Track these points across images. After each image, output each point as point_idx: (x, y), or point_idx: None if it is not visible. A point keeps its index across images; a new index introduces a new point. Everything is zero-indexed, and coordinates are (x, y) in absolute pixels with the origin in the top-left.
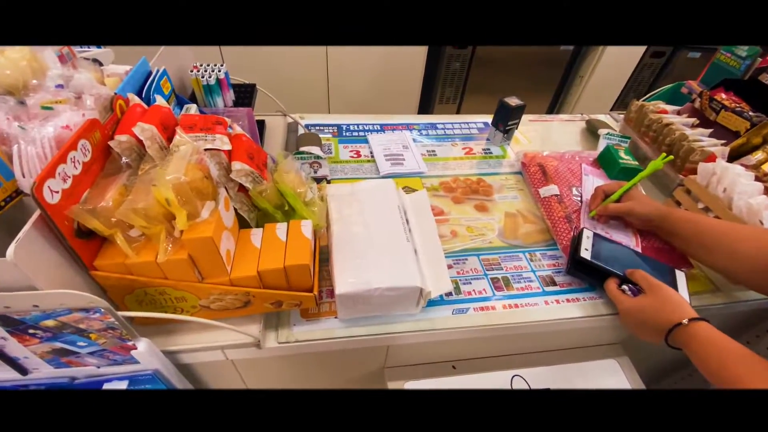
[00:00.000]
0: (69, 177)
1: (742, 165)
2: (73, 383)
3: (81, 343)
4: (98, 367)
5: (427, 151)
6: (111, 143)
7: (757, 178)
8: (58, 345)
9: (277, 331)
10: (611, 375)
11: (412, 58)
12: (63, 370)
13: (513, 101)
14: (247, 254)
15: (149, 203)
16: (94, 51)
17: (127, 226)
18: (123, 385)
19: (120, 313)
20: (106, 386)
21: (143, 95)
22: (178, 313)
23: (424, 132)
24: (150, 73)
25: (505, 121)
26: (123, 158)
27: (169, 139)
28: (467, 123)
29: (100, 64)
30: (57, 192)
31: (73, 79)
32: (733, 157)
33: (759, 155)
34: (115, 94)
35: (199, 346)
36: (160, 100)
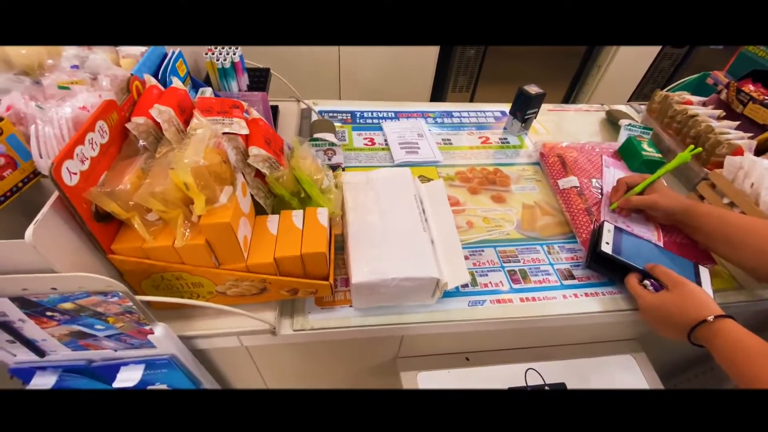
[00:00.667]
0: (87, 159)
1: None
2: (90, 366)
3: (99, 327)
4: (115, 351)
5: (443, 139)
6: (128, 125)
7: None
8: (76, 328)
9: (293, 318)
10: (627, 371)
11: (425, 46)
12: (80, 352)
13: (533, 89)
14: (264, 241)
15: (167, 187)
16: None
17: (144, 210)
18: (139, 370)
19: (138, 298)
20: (123, 369)
21: (159, 77)
22: (194, 298)
23: (439, 120)
24: (165, 55)
25: (524, 109)
26: (140, 141)
27: (186, 122)
28: (483, 111)
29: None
30: (75, 174)
31: (89, 60)
32: (760, 151)
33: None
34: (132, 74)
35: (215, 332)
36: (176, 82)
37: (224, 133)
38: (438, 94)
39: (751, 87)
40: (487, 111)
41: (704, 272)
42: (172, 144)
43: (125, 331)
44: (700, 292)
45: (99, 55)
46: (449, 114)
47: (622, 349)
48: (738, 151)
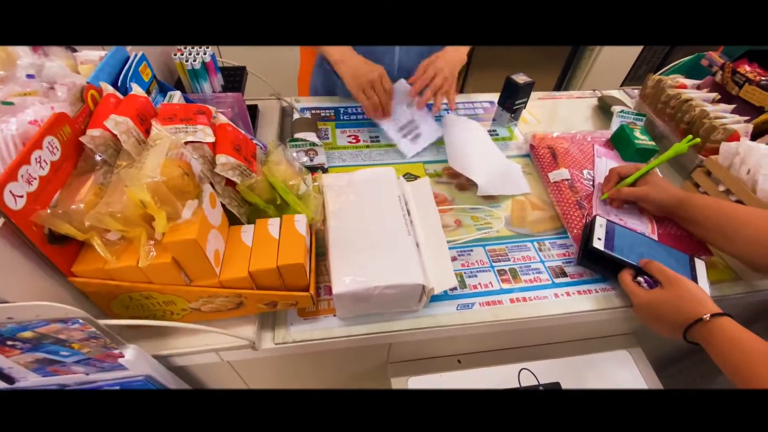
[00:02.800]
0: (35, 178)
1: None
2: (64, 390)
3: (64, 353)
4: (87, 375)
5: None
6: (83, 139)
7: None
8: (41, 355)
9: (274, 331)
10: (623, 367)
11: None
12: (51, 378)
13: (521, 78)
14: (238, 254)
15: (125, 205)
16: None
17: (104, 229)
18: None
19: (102, 322)
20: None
21: (119, 84)
22: (168, 316)
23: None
24: (127, 59)
25: (513, 100)
26: (97, 154)
27: (148, 132)
28: (472, 102)
29: (74, 50)
30: (21, 196)
31: (45, 68)
32: (756, 134)
33: None
34: (87, 83)
35: (193, 349)
36: (136, 89)
37: (187, 142)
38: None
39: (747, 68)
40: (476, 102)
41: (700, 265)
42: (132, 156)
43: (93, 356)
44: (696, 289)
45: (56, 63)
46: None
47: (617, 344)
48: (734, 136)
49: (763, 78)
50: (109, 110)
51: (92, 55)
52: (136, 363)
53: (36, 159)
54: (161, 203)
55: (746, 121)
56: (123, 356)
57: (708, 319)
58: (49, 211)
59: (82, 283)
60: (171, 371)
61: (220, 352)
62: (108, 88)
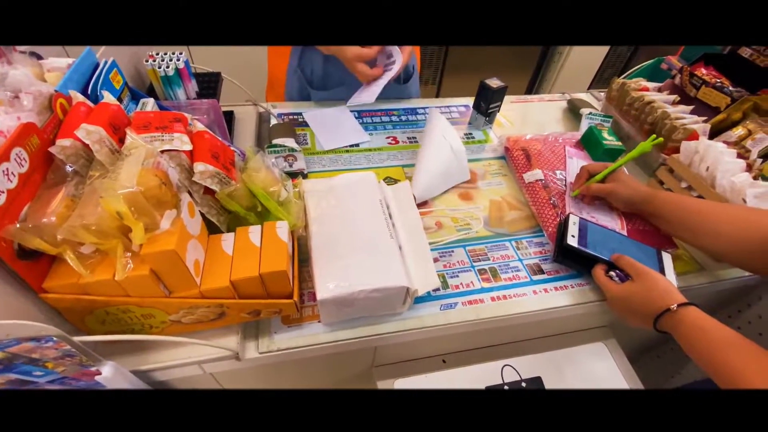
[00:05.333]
0: (2, 192)
1: (724, 142)
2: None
3: (37, 373)
4: None
5: (408, 138)
6: (52, 149)
7: (739, 155)
8: (13, 376)
9: (258, 340)
10: (600, 359)
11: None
12: None
13: (494, 83)
14: (219, 263)
15: (99, 216)
16: None
17: (77, 242)
18: None
19: (77, 339)
20: None
21: (89, 92)
22: (146, 330)
23: (404, 118)
24: (97, 66)
25: (487, 103)
26: (68, 165)
27: (122, 141)
28: (447, 107)
29: (39, 58)
30: None
31: (9, 76)
32: (714, 133)
33: (740, 131)
34: (55, 91)
35: (174, 362)
36: (108, 97)
37: (164, 151)
38: None
39: (704, 70)
40: (452, 106)
41: (667, 258)
42: (105, 166)
43: (69, 375)
44: (664, 281)
45: (20, 70)
46: (414, 111)
47: (594, 337)
48: (693, 136)
49: (718, 80)
50: (79, 119)
51: (59, 63)
52: (114, 380)
53: (3, 171)
54: (138, 214)
55: (704, 122)
56: (100, 374)
57: (675, 309)
58: (18, 225)
59: (54, 299)
60: (152, 386)
61: (202, 364)
62: (78, 97)
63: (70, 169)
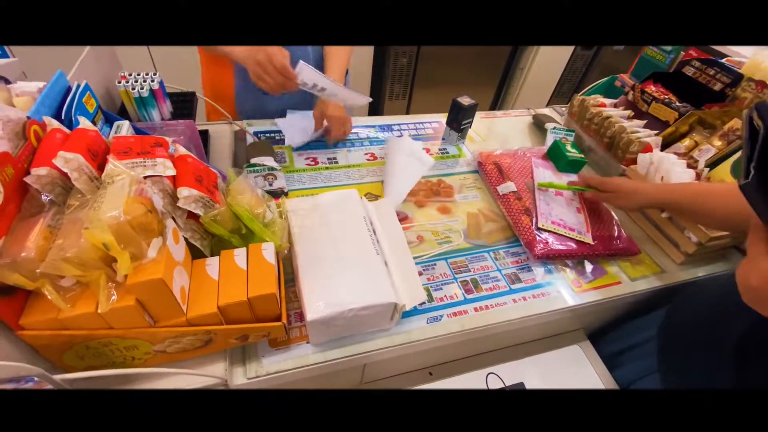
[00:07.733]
0: None
1: (674, 153)
2: None
3: None
4: None
5: (386, 154)
6: (28, 179)
7: (689, 165)
8: None
9: (245, 365)
10: (577, 362)
11: (360, 56)
12: None
13: (465, 101)
14: (205, 288)
15: (82, 248)
16: None
17: (57, 275)
18: None
19: (58, 377)
20: None
21: (63, 116)
22: (129, 362)
23: (381, 134)
24: (69, 89)
25: (460, 120)
26: (44, 195)
27: (101, 168)
28: (422, 123)
29: (7, 82)
30: None
31: None
32: (665, 145)
33: (687, 142)
34: (28, 118)
35: None
36: (84, 122)
37: (147, 177)
38: (375, 103)
39: (653, 88)
40: (425, 122)
41: None
42: (84, 195)
43: None
44: None
45: None
46: (389, 127)
47: (570, 340)
48: (647, 148)
49: (666, 96)
50: (56, 146)
51: (29, 87)
52: None
53: None
54: (125, 244)
55: (656, 135)
56: None
57: None
58: None
59: (31, 336)
60: None
61: None
62: (53, 123)
63: (46, 199)
